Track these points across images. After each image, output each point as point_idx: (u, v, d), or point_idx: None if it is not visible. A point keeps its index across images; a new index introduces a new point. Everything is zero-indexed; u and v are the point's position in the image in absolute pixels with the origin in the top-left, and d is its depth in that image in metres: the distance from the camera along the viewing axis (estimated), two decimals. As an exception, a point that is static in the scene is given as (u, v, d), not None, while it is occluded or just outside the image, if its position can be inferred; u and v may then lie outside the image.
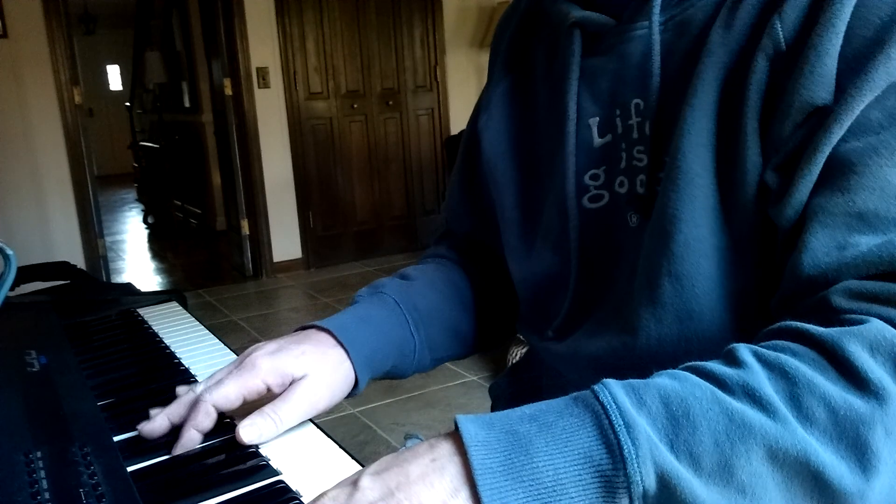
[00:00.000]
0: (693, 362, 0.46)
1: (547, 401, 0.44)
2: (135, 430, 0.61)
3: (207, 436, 0.60)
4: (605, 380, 0.43)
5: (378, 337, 0.68)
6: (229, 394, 0.59)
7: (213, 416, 0.59)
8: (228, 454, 0.57)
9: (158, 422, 0.60)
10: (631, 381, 0.44)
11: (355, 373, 0.65)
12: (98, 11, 9.76)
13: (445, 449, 0.43)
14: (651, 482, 0.39)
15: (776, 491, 0.40)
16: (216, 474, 0.55)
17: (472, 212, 0.81)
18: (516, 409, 0.44)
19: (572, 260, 0.65)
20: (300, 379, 0.61)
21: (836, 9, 0.47)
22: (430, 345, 0.74)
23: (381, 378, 0.71)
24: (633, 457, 0.39)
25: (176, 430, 0.60)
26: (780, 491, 0.40)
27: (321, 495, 0.44)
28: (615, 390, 0.42)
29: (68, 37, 4.05)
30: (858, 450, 0.40)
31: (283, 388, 0.61)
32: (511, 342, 2.85)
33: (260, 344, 0.64)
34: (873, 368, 0.42)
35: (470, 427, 0.42)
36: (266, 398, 0.61)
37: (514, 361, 2.53)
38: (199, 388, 0.61)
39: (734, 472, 0.40)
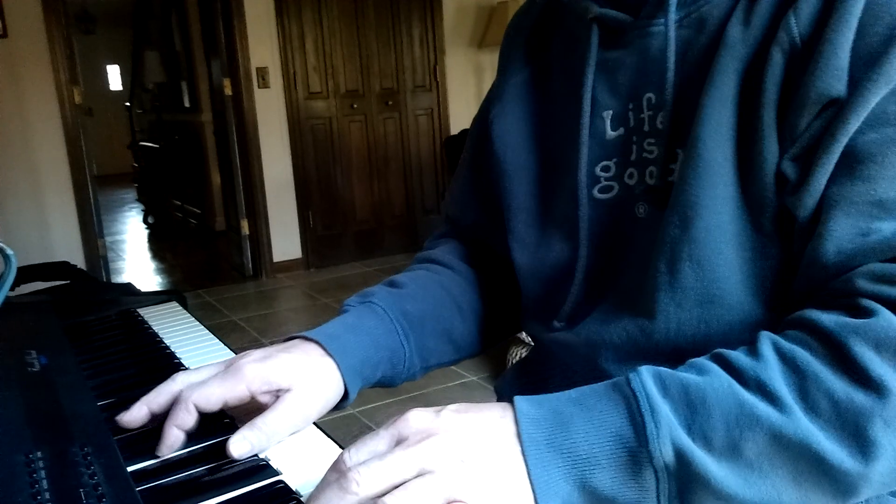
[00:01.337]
0: (720, 350, 0.51)
1: (591, 385, 0.50)
2: (135, 430, 0.61)
3: (208, 435, 0.60)
4: (639, 368, 0.50)
5: (367, 346, 0.68)
6: (211, 395, 0.59)
7: (195, 415, 0.58)
8: (228, 455, 0.57)
9: (136, 410, 0.60)
10: (660, 370, 0.49)
11: (345, 383, 0.64)
12: (96, 11, 9.76)
13: (509, 416, 0.49)
14: (670, 457, 0.46)
15: (783, 468, 0.46)
16: (216, 474, 0.55)
17: (478, 203, 0.82)
18: (564, 392, 0.50)
19: (581, 249, 0.66)
20: (288, 391, 0.61)
21: (849, 4, 0.49)
22: (421, 352, 0.74)
23: (371, 387, 0.71)
24: (655, 436, 0.46)
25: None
26: (787, 469, 0.46)
27: (410, 412, 0.49)
28: (645, 379, 0.48)
29: (68, 36, 4.05)
30: (858, 438, 0.45)
31: (268, 397, 0.61)
32: (511, 342, 2.86)
33: (248, 351, 0.63)
34: (877, 365, 0.46)
35: (522, 404, 0.49)
36: (249, 407, 0.61)
37: (513, 362, 2.53)
38: (178, 378, 0.61)
39: (742, 452, 0.46)
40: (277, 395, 0.61)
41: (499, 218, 0.77)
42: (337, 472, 0.46)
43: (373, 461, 0.45)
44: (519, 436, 0.48)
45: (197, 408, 0.58)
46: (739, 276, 0.56)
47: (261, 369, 0.60)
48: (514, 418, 0.49)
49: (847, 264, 0.50)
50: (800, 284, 0.54)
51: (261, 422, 0.58)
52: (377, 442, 0.48)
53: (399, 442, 0.47)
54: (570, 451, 0.47)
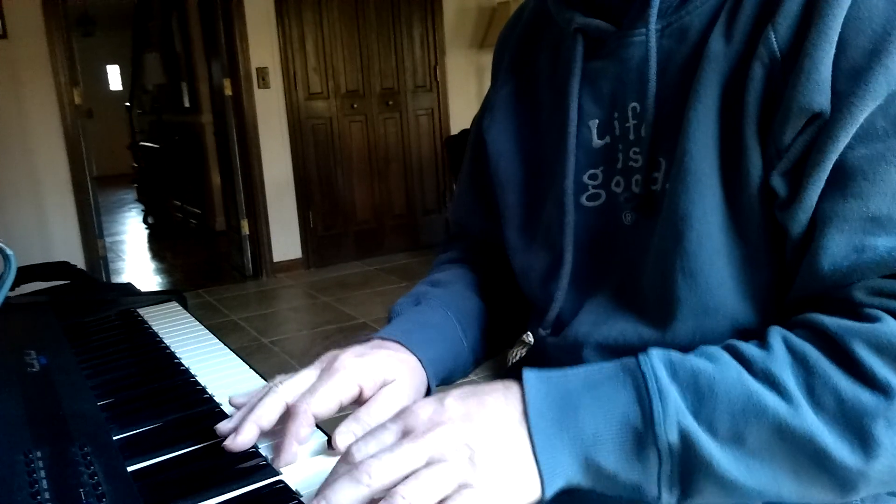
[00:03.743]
0: (731, 340, 0.52)
1: (599, 364, 0.52)
2: (135, 429, 0.61)
3: (210, 435, 0.60)
4: (650, 349, 0.51)
5: (437, 342, 0.70)
6: (328, 401, 0.58)
7: (314, 425, 0.58)
8: (228, 454, 0.57)
9: (247, 431, 0.57)
10: (671, 354, 0.51)
11: (427, 378, 0.66)
12: (96, 13, 9.76)
13: (514, 393, 0.50)
14: (675, 439, 0.47)
15: (785, 459, 0.47)
16: (216, 474, 0.55)
17: (484, 210, 0.83)
18: (573, 368, 0.52)
19: (566, 255, 0.67)
20: (390, 383, 0.62)
21: (828, 19, 0.49)
22: (473, 347, 0.76)
23: (438, 385, 0.71)
24: (662, 418, 0.47)
25: (172, 431, 0.59)
26: (789, 460, 0.47)
27: (415, 404, 0.50)
28: (655, 361, 0.50)
29: (68, 37, 4.05)
30: (861, 436, 0.46)
31: (374, 391, 0.61)
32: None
33: (338, 350, 0.63)
34: (881, 367, 0.47)
35: (531, 380, 0.50)
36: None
37: (513, 361, 2.52)
38: (280, 389, 0.59)
39: (746, 440, 0.47)
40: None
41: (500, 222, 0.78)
42: (347, 464, 0.47)
43: (383, 454, 0.46)
44: (526, 414, 0.49)
45: (316, 417, 0.58)
46: (732, 286, 0.56)
47: (365, 364, 0.61)
48: (520, 397, 0.50)
49: (843, 280, 0.50)
50: (796, 297, 0.54)
51: (364, 415, 0.58)
52: (385, 435, 0.49)
53: (406, 433, 0.48)
54: (576, 429, 0.48)
